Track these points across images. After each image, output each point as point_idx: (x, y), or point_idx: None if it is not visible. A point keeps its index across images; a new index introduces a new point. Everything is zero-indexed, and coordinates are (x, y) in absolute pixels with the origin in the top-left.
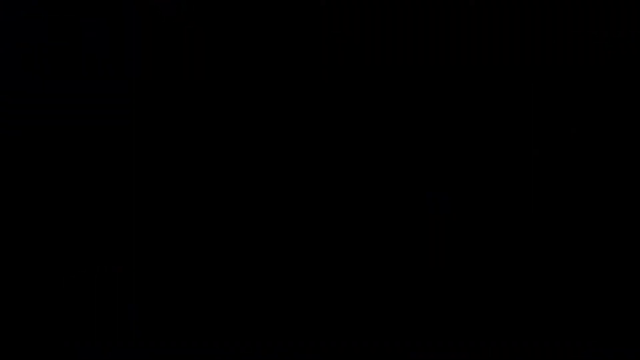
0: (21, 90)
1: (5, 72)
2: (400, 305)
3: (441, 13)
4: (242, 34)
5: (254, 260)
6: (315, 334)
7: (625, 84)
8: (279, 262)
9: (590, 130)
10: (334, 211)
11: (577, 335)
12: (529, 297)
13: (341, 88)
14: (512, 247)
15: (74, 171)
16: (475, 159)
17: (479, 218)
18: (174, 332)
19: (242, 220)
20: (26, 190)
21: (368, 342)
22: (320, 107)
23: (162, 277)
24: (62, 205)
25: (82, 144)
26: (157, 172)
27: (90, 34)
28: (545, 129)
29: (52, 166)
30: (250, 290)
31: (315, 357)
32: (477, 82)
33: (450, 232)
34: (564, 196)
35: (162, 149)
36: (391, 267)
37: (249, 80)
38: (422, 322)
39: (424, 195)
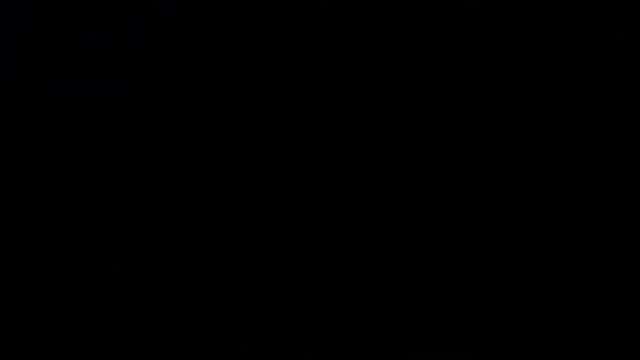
0: (21, 90)
1: (5, 72)
2: (400, 305)
3: (441, 13)
4: (242, 34)
5: (254, 260)
6: (315, 334)
7: (625, 84)
8: (278, 262)
9: (590, 130)
10: (334, 211)
11: (577, 335)
12: (529, 297)
13: (341, 88)
14: (512, 247)
15: (74, 171)
16: (475, 159)
17: (479, 218)
18: (174, 332)
19: (242, 221)
20: (26, 190)
21: (368, 342)
22: (320, 107)
23: (162, 277)
24: (62, 205)
25: (82, 144)
26: (157, 172)
27: (90, 34)
28: (545, 129)
29: (52, 166)
30: (250, 290)
31: (315, 357)
32: (477, 82)
33: (450, 232)
34: (563, 196)
35: (162, 149)
36: (391, 267)
37: (249, 81)
38: (422, 322)
39: (424, 195)
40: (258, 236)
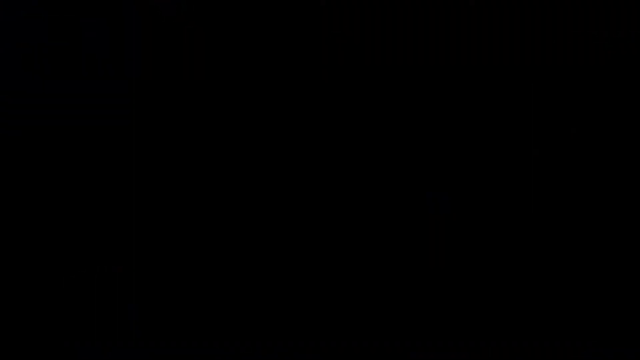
0: (21, 90)
1: (5, 72)
2: (400, 305)
3: (441, 13)
4: (242, 34)
5: (254, 260)
6: (315, 334)
7: (625, 84)
8: (278, 262)
9: (590, 130)
10: (334, 211)
11: (577, 335)
12: (529, 297)
13: (341, 88)
14: (512, 247)
15: (74, 171)
16: (475, 159)
17: (479, 218)
18: (174, 332)
19: (242, 221)
20: (26, 190)
21: (368, 342)
22: (320, 107)
23: (162, 277)
24: (62, 205)
25: (82, 144)
26: (157, 172)
27: (90, 34)
28: (545, 129)
29: (52, 166)
30: (250, 290)
31: (315, 357)
32: (477, 82)
33: (450, 232)
34: (563, 196)
35: (162, 149)
36: (391, 267)
37: (249, 80)
38: (422, 322)
39: (424, 195)
40: (258, 236)
